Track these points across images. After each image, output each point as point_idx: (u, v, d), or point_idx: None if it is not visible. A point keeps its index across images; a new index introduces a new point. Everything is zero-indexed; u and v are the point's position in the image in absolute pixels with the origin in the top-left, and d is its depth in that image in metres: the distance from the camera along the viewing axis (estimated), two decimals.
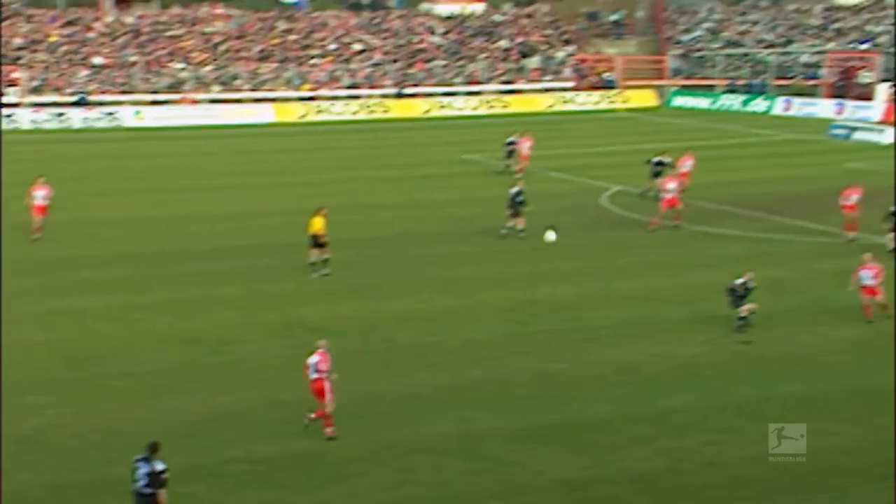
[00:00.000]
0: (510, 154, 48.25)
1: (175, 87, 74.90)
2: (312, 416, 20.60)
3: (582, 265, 33.56)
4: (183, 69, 76.00)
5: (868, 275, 27.55)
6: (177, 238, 36.62)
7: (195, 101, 73.53)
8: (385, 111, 74.33)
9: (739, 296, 26.82)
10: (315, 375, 20.40)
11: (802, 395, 22.99)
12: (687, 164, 42.34)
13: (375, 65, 78.16)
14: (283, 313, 27.99)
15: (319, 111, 74.10)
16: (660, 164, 41.85)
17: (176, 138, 63.75)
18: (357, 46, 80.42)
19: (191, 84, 75.16)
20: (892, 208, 33.08)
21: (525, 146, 48.36)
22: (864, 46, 78.27)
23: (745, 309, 26.85)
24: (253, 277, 31.44)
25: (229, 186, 46.46)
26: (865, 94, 72.56)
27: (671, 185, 37.70)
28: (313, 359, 20.45)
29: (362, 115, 73.54)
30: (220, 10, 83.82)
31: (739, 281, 26.92)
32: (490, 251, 35.33)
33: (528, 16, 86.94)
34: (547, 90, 78.83)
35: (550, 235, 35.59)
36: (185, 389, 22.89)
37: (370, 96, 75.79)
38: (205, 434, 20.63)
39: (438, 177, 49.83)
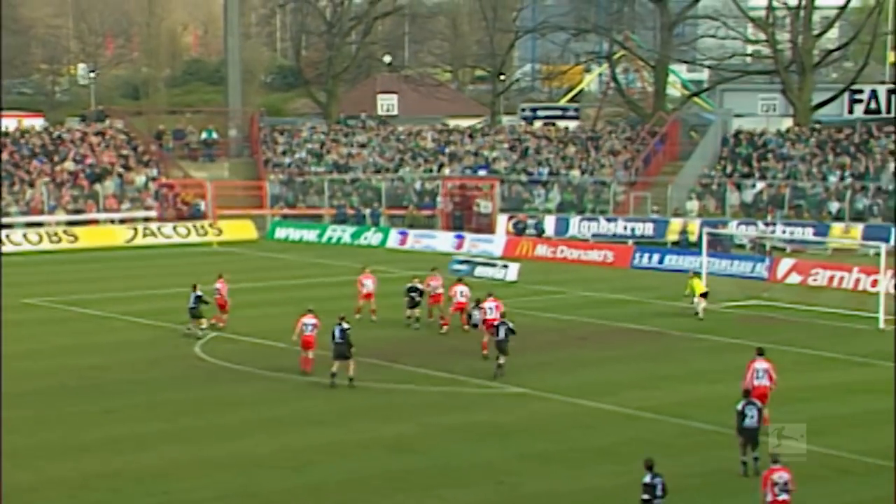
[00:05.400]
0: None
1: None
2: None
3: (171, 428, 32.58)
4: None
5: None
6: None
7: None
8: None
9: None
10: None
11: None
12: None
13: None
14: None
15: None
16: (413, 289, 46.43)
17: None
18: None
19: None
20: None
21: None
22: (481, 173, 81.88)
23: None
24: None
25: None
26: (485, 226, 75.76)
27: None
28: None
29: None
30: None
31: None
32: (55, 416, 33.72)
33: (100, 133, 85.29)
34: (125, 221, 77.27)
35: None
36: None
37: None
38: None
39: None
